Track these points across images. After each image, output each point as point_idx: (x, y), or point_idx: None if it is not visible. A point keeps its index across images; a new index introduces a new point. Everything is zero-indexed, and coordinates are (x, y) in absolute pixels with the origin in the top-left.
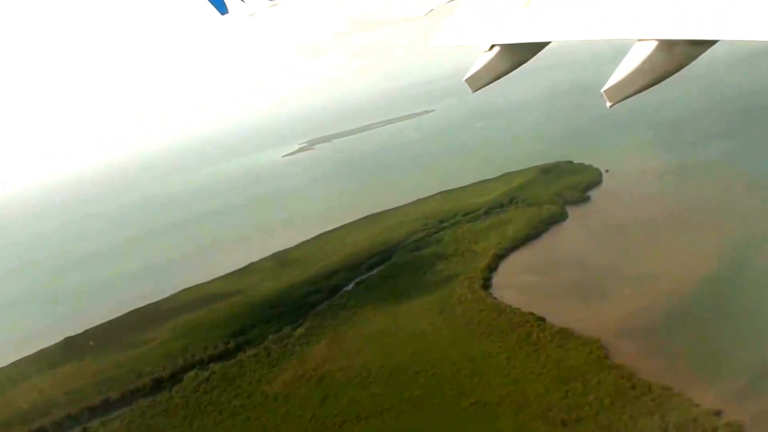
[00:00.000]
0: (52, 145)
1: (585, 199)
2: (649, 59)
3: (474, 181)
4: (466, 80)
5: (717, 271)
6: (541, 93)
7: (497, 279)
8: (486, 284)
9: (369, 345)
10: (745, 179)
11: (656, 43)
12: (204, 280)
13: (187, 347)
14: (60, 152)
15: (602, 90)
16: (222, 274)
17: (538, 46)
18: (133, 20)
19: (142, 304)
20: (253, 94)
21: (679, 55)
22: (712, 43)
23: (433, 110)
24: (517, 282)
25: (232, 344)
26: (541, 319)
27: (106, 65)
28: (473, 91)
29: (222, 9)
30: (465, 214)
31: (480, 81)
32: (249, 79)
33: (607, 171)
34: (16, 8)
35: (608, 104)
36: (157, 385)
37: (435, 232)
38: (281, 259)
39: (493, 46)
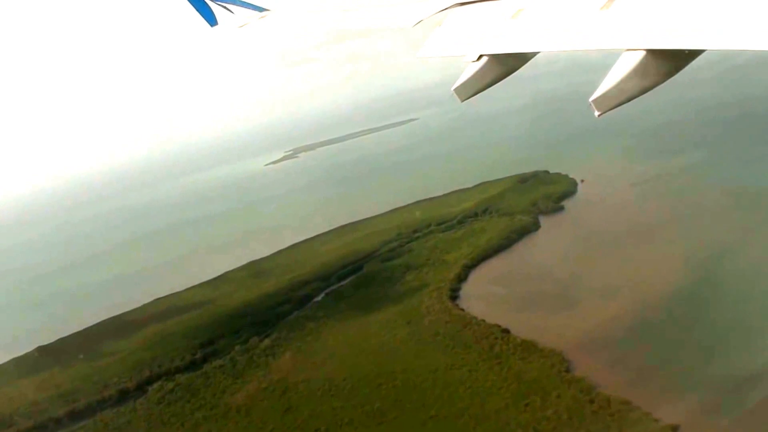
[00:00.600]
0: (37, 152)
1: (559, 209)
2: (637, 69)
3: (451, 190)
4: (454, 90)
5: (682, 284)
6: (526, 102)
7: (466, 290)
8: (454, 295)
9: (334, 356)
10: (719, 189)
11: (644, 52)
12: (178, 289)
13: (155, 358)
14: (44, 160)
15: (590, 100)
16: (196, 283)
17: (526, 56)
18: (124, 31)
19: (116, 313)
20: (241, 102)
21: (666, 64)
22: (699, 52)
23: (417, 119)
24: (485, 293)
25: (199, 355)
26: (506, 331)
27: (94, 74)
28: (462, 101)
29: (212, 21)
30: (439, 224)
31: (468, 91)
32: (236, 87)
33: (582, 181)
34: None
35: (596, 114)
36: (123, 397)
37: (408, 242)
38: (255, 269)
39: (481, 56)
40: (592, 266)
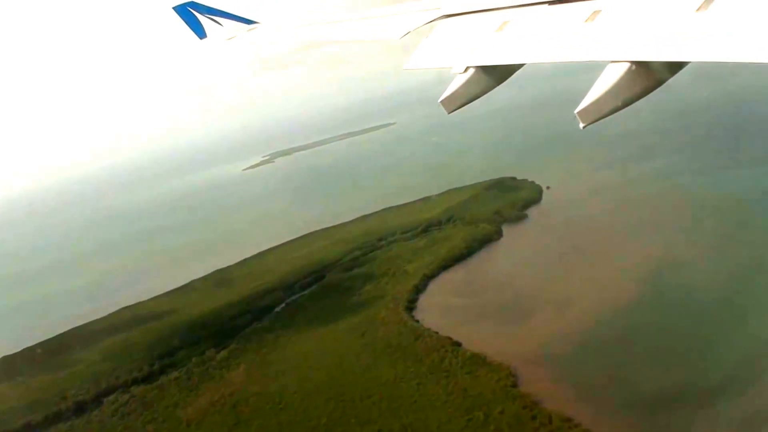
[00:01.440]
0: (15, 158)
1: (522, 218)
2: (621, 81)
3: (419, 197)
4: (441, 102)
5: (637, 296)
6: (503, 107)
7: (423, 300)
8: (411, 306)
9: (288, 369)
10: (683, 197)
11: (628, 64)
12: (145, 298)
13: (114, 369)
14: (22, 165)
15: (575, 111)
16: (163, 291)
17: (513, 68)
18: (113, 42)
19: (82, 322)
20: (224, 107)
21: (651, 76)
22: (684, 64)
23: (394, 123)
24: (441, 304)
25: (156, 366)
26: (457, 344)
27: (78, 81)
28: (448, 113)
29: (200, 33)
30: (404, 232)
31: (455, 102)
32: (220, 93)
33: (548, 188)
34: None
35: (581, 125)
36: (80, 408)
37: (372, 251)
38: (220, 278)
39: (467, 68)
40: (550, 277)
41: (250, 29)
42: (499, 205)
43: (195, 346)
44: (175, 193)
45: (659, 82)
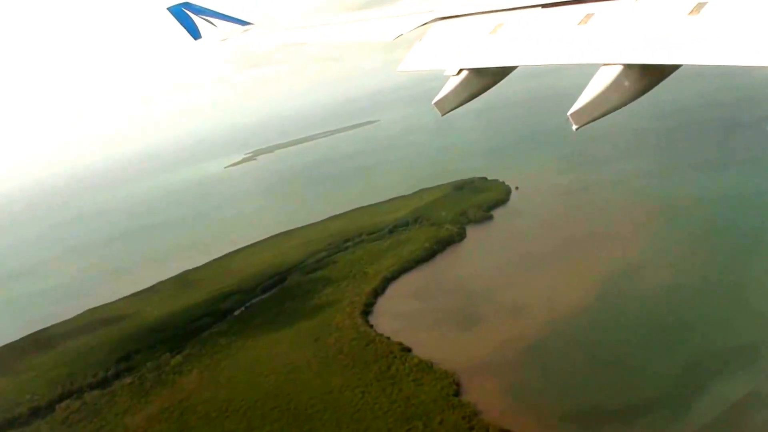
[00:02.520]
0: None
1: (488, 218)
2: (613, 83)
3: (390, 197)
4: (434, 104)
5: (590, 304)
6: (490, 106)
7: (380, 304)
8: (367, 310)
9: (239, 375)
10: (652, 201)
11: (621, 67)
12: (111, 300)
13: (71, 374)
14: (7, 163)
15: (568, 113)
16: (129, 293)
17: (505, 70)
18: (110, 43)
19: (45, 325)
20: (211, 105)
21: (643, 79)
22: (676, 67)
23: (377, 121)
24: (397, 308)
25: (112, 371)
26: (407, 350)
27: (60, 81)
28: (442, 115)
29: (195, 34)
30: (370, 233)
31: (449, 104)
32: (208, 92)
33: (517, 188)
34: None
35: (574, 127)
36: (34, 415)
37: (336, 252)
38: (185, 279)
39: (461, 71)
40: (507, 281)
41: (244, 30)
42: (466, 206)
43: (152, 350)
44: (157, 191)
45: (652, 85)
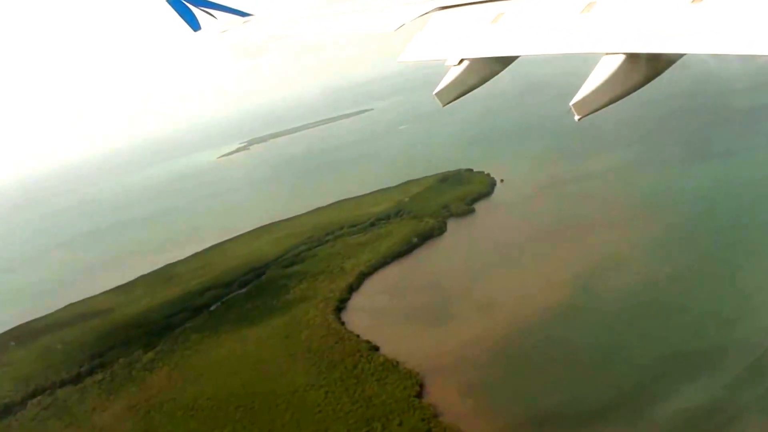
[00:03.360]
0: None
1: (469, 212)
2: (616, 73)
3: (375, 188)
4: (435, 94)
5: (565, 302)
6: (485, 96)
7: (354, 300)
8: (341, 306)
9: (208, 372)
10: (637, 193)
11: (623, 56)
12: (92, 294)
13: (46, 369)
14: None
15: (570, 104)
16: (111, 287)
17: (507, 60)
18: (107, 31)
19: (29, 319)
20: (206, 94)
21: (646, 68)
22: (679, 56)
23: (371, 109)
24: (370, 305)
25: (85, 367)
26: (375, 349)
27: (69, 73)
28: (443, 105)
29: (195, 26)
30: (352, 226)
31: (450, 95)
32: (203, 82)
33: (502, 181)
34: None
35: (576, 117)
36: (6, 411)
37: (317, 246)
38: (167, 274)
39: (462, 61)
40: (481, 277)
41: (244, 22)
42: (449, 198)
43: (126, 346)
44: (148, 182)
45: (655, 74)
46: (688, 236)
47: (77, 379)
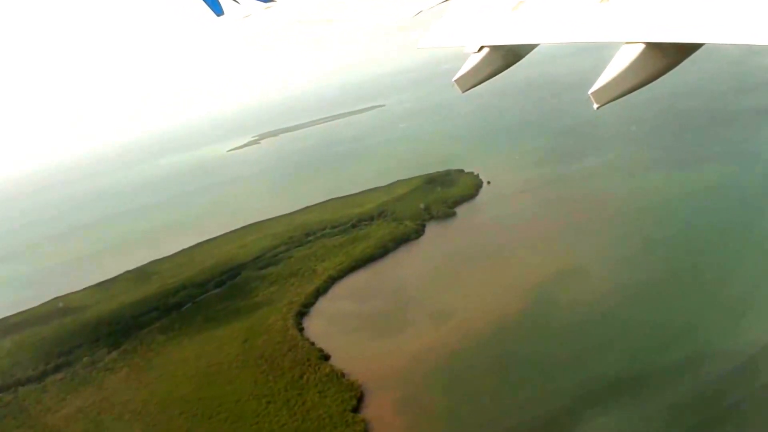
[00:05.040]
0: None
1: (450, 215)
2: (636, 62)
3: (365, 188)
4: (455, 81)
5: (525, 309)
6: (493, 92)
7: (319, 305)
8: (304, 311)
9: (165, 375)
10: (622, 198)
11: (643, 46)
12: (76, 289)
13: (13, 366)
14: (16, 147)
15: (589, 92)
16: (94, 282)
17: (527, 48)
18: (127, 19)
19: (10, 313)
20: (223, 86)
21: (666, 57)
22: (698, 46)
23: (383, 105)
24: (333, 310)
25: (51, 365)
26: (326, 358)
27: (87, 62)
28: (462, 92)
29: (218, 10)
30: (333, 227)
31: (469, 82)
32: (225, 71)
33: (488, 183)
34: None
35: (595, 106)
36: None
37: (296, 246)
38: (148, 270)
39: (482, 48)
40: (447, 283)
41: (266, 7)
42: (433, 200)
43: (93, 344)
44: (156, 173)
45: (675, 64)
46: (664, 246)
47: (41, 377)
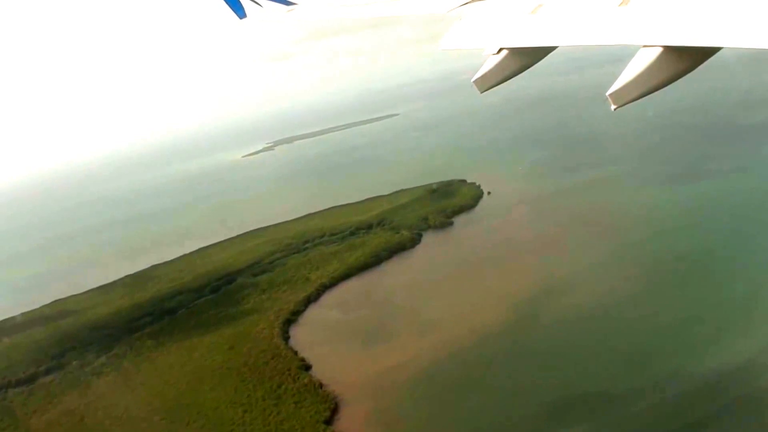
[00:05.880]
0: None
1: (447, 225)
2: (653, 65)
3: (368, 196)
4: (474, 81)
5: (510, 322)
6: (506, 100)
7: (308, 313)
8: (293, 319)
9: (150, 381)
10: (617, 211)
11: (661, 49)
12: (78, 292)
13: (6, 368)
14: (26, 149)
15: (607, 93)
16: (96, 285)
17: (545, 50)
18: (151, 21)
19: (9, 315)
20: (238, 93)
21: (683, 61)
22: (716, 50)
23: (397, 114)
24: (321, 319)
25: (42, 368)
26: (307, 368)
27: (103, 64)
28: (481, 93)
29: (240, 13)
30: (332, 234)
31: (488, 82)
32: (241, 78)
33: (489, 193)
34: None
35: (612, 107)
36: None
37: (293, 253)
38: (149, 275)
39: (501, 50)
40: (434, 294)
41: (289, 10)
42: (432, 210)
43: (86, 348)
44: (168, 179)
45: (692, 67)
46: (658, 262)
47: (31, 379)
